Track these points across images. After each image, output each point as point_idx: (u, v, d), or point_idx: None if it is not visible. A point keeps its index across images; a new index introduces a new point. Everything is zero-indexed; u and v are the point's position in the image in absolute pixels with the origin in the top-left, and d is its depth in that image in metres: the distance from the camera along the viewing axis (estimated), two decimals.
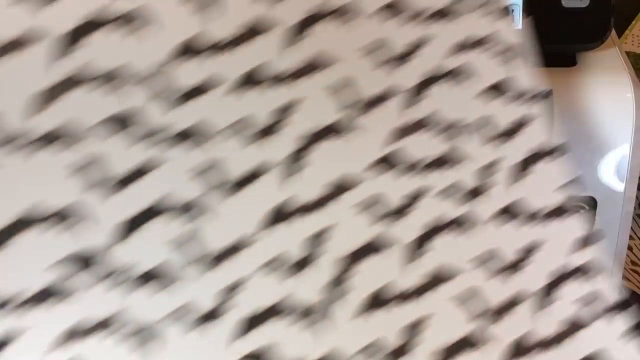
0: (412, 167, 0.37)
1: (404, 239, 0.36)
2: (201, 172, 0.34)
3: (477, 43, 0.38)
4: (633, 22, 0.72)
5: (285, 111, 0.35)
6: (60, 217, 0.33)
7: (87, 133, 0.33)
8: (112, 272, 0.33)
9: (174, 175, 0.34)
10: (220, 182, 0.34)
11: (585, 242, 0.38)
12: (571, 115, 0.45)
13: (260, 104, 0.35)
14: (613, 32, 0.48)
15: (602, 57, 0.48)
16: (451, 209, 0.37)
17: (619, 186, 0.46)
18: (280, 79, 0.35)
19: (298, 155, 0.35)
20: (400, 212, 0.36)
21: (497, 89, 0.38)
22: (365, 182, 0.36)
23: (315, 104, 0.36)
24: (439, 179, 0.37)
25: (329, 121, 0.36)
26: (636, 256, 0.56)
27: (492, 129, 0.37)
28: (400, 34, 0.37)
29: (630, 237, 0.49)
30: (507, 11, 0.38)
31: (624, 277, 0.53)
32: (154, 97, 0.33)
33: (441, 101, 0.37)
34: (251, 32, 0.34)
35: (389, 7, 0.36)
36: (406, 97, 0.36)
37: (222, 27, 0.34)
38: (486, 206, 0.37)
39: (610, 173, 0.46)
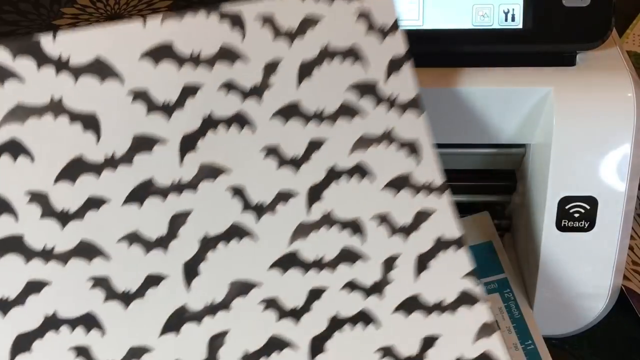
0: (312, 266, 0.37)
1: (308, 334, 0.36)
2: (98, 281, 0.34)
3: (375, 140, 0.38)
4: (634, 22, 0.72)
5: (182, 217, 0.35)
6: None
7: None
8: None
9: (71, 288, 0.34)
10: (121, 292, 0.35)
11: (483, 332, 0.37)
12: (572, 114, 0.45)
13: (161, 210, 0.35)
14: (614, 31, 0.47)
15: (603, 56, 0.47)
16: (350, 305, 0.37)
17: (620, 186, 0.46)
18: (180, 186, 0.35)
19: (199, 258, 0.36)
20: (301, 310, 0.37)
21: (395, 185, 0.38)
22: (268, 281, 0.36)
23: (213, 210, 0.36)
24: (339, 276, 0.37)
25: (230, 223, 0.36)
26: (637, 256, 0.56)
27: (391, 225, 0.38)
28: (298, 136, 0.37)
29: (631, 237, 0.48)
30: (409, 104, 0.38)
31: (625, 277, 0.53)
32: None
33: (339, 200, 0.37)
34: (146, 143, 0.35)
35: (285, 109, 0.37)
36: (304, 198, 0.37)
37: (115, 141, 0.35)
38: (386, 301, 0.37)
39: (611, 172, 0.45)
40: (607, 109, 0.45)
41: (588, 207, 0.46)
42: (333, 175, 0.37)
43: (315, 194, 0.37)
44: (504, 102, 0.47)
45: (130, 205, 0.35)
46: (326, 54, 0.38)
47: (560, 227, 0.47)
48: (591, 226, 0.46)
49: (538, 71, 0.47)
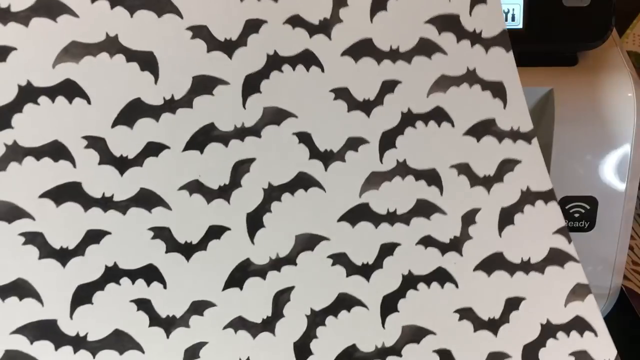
0: (384, 219, 0.34)
1: (379, 292, 0.34)
2: (158, 232, 0.33)
3: (456, 80, 0.34)
4: (634, 21, 0.72)
5: (245, 164, 0.33)
6: None
7: None
8: None
9: (132, 238, 0.33)
10: (182, 244, 0.33)
11: (575, 294, 0.35)
12: (572, 114, 0.45)
13: (223, 157, 0.33)
14: (614, 31, 0.47)
15: (603, 56, 0.47)
16: (426, 263, 0.34)
17: (620, 185, 0.45)
18: (243, 131, 0.33)
19: (263, 209, 0.33)
20: (372, 266, 0.34)
21: (478, 131, 0.35)
22: (337, 234, 0.34)
23: (277, 157, 0.33)
24: (413, 230, 0.34)
25: (296, 172, 0.34)
26: (637, 256, 0.56)
27: (472, 175, 0.35)
28: (370, 76, 0.34)
29: (631, 237, 0.48)
30: (496, 40, 0.34)
31: (625, 277, 0.53)
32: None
33: (415, 147, 0.34)
34: (206, 85, 0.32)
35: (356, 46, 0.34)
36: (376, 145, 0.34)
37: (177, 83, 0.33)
38: (465, 259, 0.35)
39: (611, 172, 0.45)
40: (607, 109, 0.45)
41: (588, 207, 0.46)
42: (408, 119, 0.34)
43: (388, 140, 0.34)
44: None
45: (190, 152, 0.33)
46: None
47: None
48: (591, 226, 0.46)
49: (538, 71, 0.46)
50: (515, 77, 0.35)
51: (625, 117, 0.44)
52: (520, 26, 0.45)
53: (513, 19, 0.45)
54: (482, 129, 0.35)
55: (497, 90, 0.35)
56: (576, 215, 0.46)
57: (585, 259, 0.46)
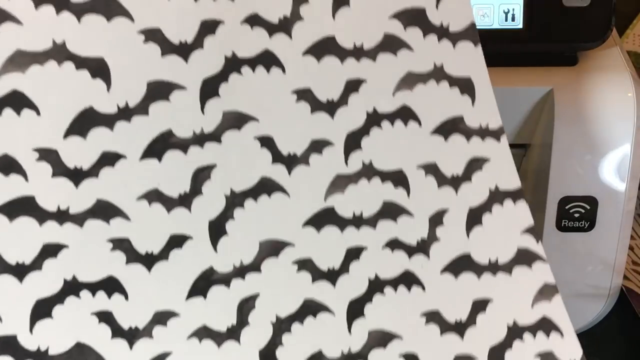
0: (349, 222, 0.33)
1: (345, 298, 0.33)
2: (117, 243, 0.32)
3: (422, 77, 0.33)
4: (634, 21, 0.72)
5: (206, 171, 0.32)
6: None
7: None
8: None
9: (90, 251, 0.32)
10: (143, 254, 0.32)
11: (542, 294, 0.34)
12: (572, 114, 0.45)
13: (183, 165, 0.32)
14: (614, 31, 0.47)
15: (603, 56, 0.46)
16: (392, 266, 0.33)
17: (620, 185, 0.44)
18: (202, 137, 0.32)
19: (225, 216, 0.32)
20: (338, 271, 0.33)
21: (445, 129, 0.33)
22: (302, 240, 0.33)
23: (239, 162, 0.32)
24: (379, 233, 0.33)
25: (259, 178, 0.32)
26: (637, 256, 0.56)
27: (440, 175, 0.33)
28: (333, 76, 0.32)
29: (631, 237, 0.48)
30: (464, 34, 0.33)
31: (625, 277, 0.53)
32: None
33: (381, 148, 0.33)
34: (162, 90, 0.31)
35: (318, 45, 0.32)
36: (341, 147, 0.33)
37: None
38: (433, 261, 0.34)
39: (611, 172, 0.45)
40: (607, 109, 0.44)
41: (588, 207, 0.45)
42: (374, 119, 0.33)
43: (353, 141, 0.33)
44: (504, 102, 0.47)
45: (148, 160, 0.31)
46: None
47: (560, 227, 0.46)
48: (591, 226, 0.46)
49: (538, 71, 0.46)
50: (484, 72, 0.33)
51: (625, 117, 0.44)
52: (520, 26, 0.45)
53: (513, 19, 0.45)
54: (450, 127, 0.33)
55: (466, 86, 0.33)
56: (576, 215, 0.45)
57: (585, 259, 0.46)
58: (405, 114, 0.33)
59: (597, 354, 0.50)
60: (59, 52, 0.30)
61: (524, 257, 0.34)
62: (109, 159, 0.31)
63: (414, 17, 0.32)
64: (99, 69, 0.31)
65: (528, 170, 0.49)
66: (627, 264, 0.53)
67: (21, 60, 0.30)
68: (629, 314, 0.51)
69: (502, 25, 0.45)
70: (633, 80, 0.44)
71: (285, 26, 0.32)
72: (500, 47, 0.46)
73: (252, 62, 0.32)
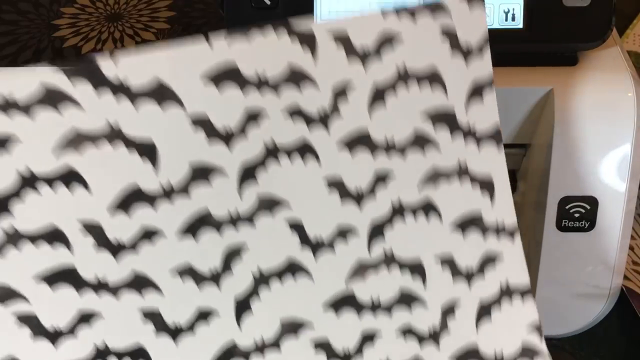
0: (367, 308, 0.35)
1: None
2: (148, 314, 0.34)
3: (447, 175, 0.35)
4: (634, 21, 0.72)
5: (237, 251, 0.34)
6: None
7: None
8: None
9: (122, 320, 0.33)
10: (171, 326, 0.34)
11: None
12: (572, 114, 0.45)
13: (216, 244, 0.33)
14: (614, 31, 0.46)
15: (603, 56, 0.46)
16: (404, 352, 0.35)
17: (620, 186, 0.44)
18: (237, 219, 0.33)
19: (251, 294, 0.34)
20: (352, 354, 0.35)
21: (464, 225, 0.35)
22: (321, 322, 0.34)
23: (269, 244, 0.34)
24: (394, 320, 0.35)
25: (286, 259, 0.34)
26: (637, 256, 0.56)
27: (455, 268, 0.35)
28: (364, 167, 0.34)
29: (632, 237, 0.48)
30: (489, 136, 0.34)
31: (625, 277, 0.53)
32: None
33: (403, 238, 0.34)
34: (204, 173, 0.33)
35: (353, 138, 0.34)
36: (365, 236, 0.34)
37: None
38: (442, 350, 0.35)
39: (611, 172, 0.45)
40: (608, 109, 0.44)
41: (588, 207, 0.45)
42: (398, 211, 0.34)
43: (377, 231, 0.34)
44: (504, 102, 0.47)
45: (185, 238, 0.33)
46: (402, 77, 0.34)
47: (561, 227, 0.46)
48: (591, 226, 0.46)
49: (538, 71, 0.46)
50: (504, 173, 0.35)
51: (625, 117, 0.44)
52: (520, 26, 0.45)
53: (513, 19, 0.45)
54: (468, 223, 0.35)
55: (486, 185, 0.35)
56: (576, 215, 0.45)
57: (585, 259, 0.46)
58: (428, 208, 0.35)
59: (597, 354, 0.50)
60: (113, 133, 0.32)
61: (528, 353, 0.36)
62: (148, 235, 0.33)
63: (443, 117, 0.34)
64: (147, 150, 0.32)
65: (528, 170, 0.49)
66: (627, 264, 0.53)
67: (77, 139, 0.32)
68: (629, 314, 0.51)
69: (502, 25, 0.45)
70: (633, 80, 0.44)
71: (324, 119, 0.33)
72: (500, 47, 0.46)
73: (290, 151, 0.33)
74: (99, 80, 0.31)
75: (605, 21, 0.44)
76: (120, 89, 0.32)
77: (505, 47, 0.46)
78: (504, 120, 0.48)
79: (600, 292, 0.47)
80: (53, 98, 0.31)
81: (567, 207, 0.45)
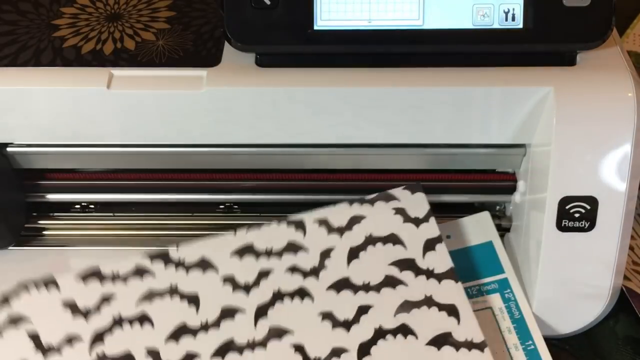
0: None
1: None
2: None
3: (416, 304, 0.44)
4: (634, 21, 0.72)
5: None
6: None
7: None
8: None
9: None
10: None
11: None
12: (572, 114, 0.45)
13: None
14: (614, 31, 0.47)
15: (604, 56, 0.46)
16: None
17: (620, 185, 0.44)
18: (254, 344, 0.44)
19: None
20: None
21: (438, 341, 0.43)
22: None
23: None
24: None
25: None
26: (637, 256, 0.56)
27: None
28: (348, 303, 0.45)
29: (632, 237, 0.48)
30: (445, 275, 0.45)
31: (625, 277, 0.53)
32: None
33: (386, 355, 0.43)
34: (230, 313, 0.45)
35: (337, 283, 0.46)
36: (354, 354, 0.43)
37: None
38: None
39: (611, 172, 0.45)
40: (608, 109, 0.44)
41: (588, 207, 0.45)
42: (380, 333, 0.44)
43: (364, 350, 0.43)
44: (504, 102, 0.47)
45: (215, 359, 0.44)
46: (370, 241, 0.47)
47: (561, 227, 0.46)
48: (591, 226, 0.46)
49: (538, 71, 0.46)
50: (465, 301, 0.44)
51: (625, 117, 0.44)
52: (520, 26, 0.45)
53: (513, 18, 0.45)
54: (441, 340, 0.43)
55: (451, 310, 0.44)
56: (576, 215, 0.45)
57: (585, 259, 0.46)
58: (405, 330, 0.44)
59: (597, 354, 0.49)
60: (173, 291, 0.46)
61: None
62: (190, 357, 0.44)
63: (407, 264, 0.46)
64: (193, 300, 0.46)
65: (528, 170, 0.49)
66: (627, 264, 0.53)
67: (150, 295, 0.46)
68: (629, 314, 0.51)
69: (502, 25, 0.45)
70: (633, 80, 0.44)
71: (315, 272, 0.46)
72: (500, 47, 0.46)
73: (291, 295, 0.46)
74: (167, 260, 0.47)
75: (605, 21, 0.44)
76: (180, 264, 0.47)
77: (505, 47, 0.46)
78: (504, 120, 0.48)
79: (600, 292, 0.47)
80: (140, 272, 0.47)
81: (567, 207, 0.45)
